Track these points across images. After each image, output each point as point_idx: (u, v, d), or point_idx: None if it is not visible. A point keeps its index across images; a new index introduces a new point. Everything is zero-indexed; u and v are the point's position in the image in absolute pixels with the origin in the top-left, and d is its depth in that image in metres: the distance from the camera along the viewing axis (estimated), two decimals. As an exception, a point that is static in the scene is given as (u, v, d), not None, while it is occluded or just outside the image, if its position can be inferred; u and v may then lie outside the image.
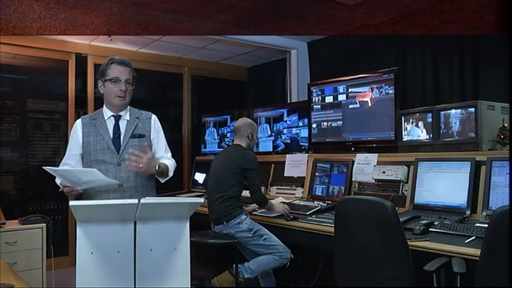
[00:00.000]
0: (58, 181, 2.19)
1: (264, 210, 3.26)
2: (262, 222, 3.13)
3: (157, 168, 2.21)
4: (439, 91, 3.65)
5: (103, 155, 2.23)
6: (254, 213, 3.30)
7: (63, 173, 2.09)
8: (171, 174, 2.36)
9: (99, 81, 2.32)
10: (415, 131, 3.06)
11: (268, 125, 4.51)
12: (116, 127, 2.29)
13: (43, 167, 2.02)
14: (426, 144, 2.99)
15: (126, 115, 2.33)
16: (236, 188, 3.11)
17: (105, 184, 2.12)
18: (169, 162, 2.36)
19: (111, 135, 2.27)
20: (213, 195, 3.13)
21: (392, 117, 3.34)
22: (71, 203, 1.67)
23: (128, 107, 2.36)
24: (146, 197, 1.84)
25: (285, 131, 4.35)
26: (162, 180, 2.36)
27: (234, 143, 3.32)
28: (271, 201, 3.23)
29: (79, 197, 2.23)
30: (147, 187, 2.31)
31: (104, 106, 2.35)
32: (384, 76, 3.44)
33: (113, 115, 2.31)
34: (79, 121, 2.35)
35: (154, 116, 2.43)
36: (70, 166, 2.27)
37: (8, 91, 4.36)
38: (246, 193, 3.19)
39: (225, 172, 3.12)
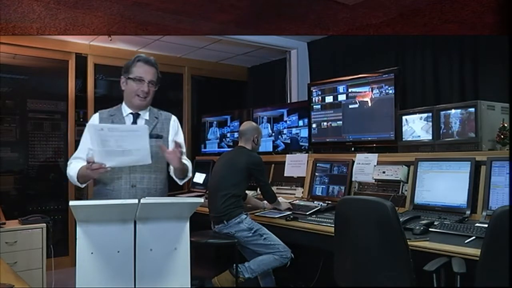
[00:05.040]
0: (73, 170, 2.10)
1: (271, 207, 3.33)
2: (262, 222, 3.13)
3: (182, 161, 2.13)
4: (439, 91, 3.64)
5: None
6: (256, 213, 3.31)
7: (105, 133, 1.88)
8: (190, 174, 2.30)
9: (122, 77, 2.23)
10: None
11: (269, 124, 4.50)
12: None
13: (88, 124, 1.95)
14: (426, 144, 2.98)
15: (145, 115, 2.25)
16: (240, 187, 3.14)
17: (140, 159, 1.98)
18: (187, 163, 2.28)
19: None
20: (215, 193, 3.14)
21: (392, 117, 3.34)
22: (71, 203, 1.66)
23: (149, 106, 2.28)
24: (146, 197, 1.84)
25: (285, 131, 4.35)
26: (181, 182, 2.31)
27: (239, 145, 3.35)
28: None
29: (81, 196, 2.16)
30: (161, 191, 2.22)
31: (123, 103, 2.26)
32: (384, 76, 3.43)
33: (131, 113, 2.23)
34: (96, 115, 2.25)
35: (174, 117, 2.35)
36: (82, 160, 2.10)
37: (8, 91, 4.36)
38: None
39: (230, 171, 3.15)
